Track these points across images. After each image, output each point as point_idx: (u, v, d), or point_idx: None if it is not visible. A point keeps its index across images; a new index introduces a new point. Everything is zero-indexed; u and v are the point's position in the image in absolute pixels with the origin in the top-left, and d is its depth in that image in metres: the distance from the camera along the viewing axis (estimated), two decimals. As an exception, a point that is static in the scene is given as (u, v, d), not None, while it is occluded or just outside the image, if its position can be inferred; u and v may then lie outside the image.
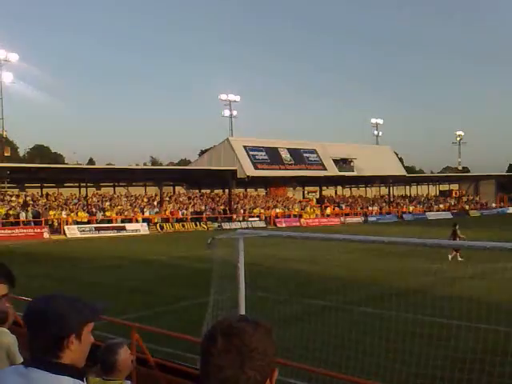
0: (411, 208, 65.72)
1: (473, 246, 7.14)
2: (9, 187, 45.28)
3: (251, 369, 1.29)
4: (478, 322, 9.54)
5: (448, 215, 64.64)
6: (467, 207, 70.96)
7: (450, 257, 19.97)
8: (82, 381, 1.81)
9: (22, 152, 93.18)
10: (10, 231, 37.27)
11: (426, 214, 64.44)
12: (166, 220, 46.09)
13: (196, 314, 10.34)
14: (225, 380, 1.29)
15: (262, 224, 49.38)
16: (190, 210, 48.77)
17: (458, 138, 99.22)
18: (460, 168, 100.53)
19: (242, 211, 51.54)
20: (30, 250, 29.58)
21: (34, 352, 1.81)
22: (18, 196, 43.96)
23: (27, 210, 40.09)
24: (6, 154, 56.05)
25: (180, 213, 47.68)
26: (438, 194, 77.80)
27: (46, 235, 38.31)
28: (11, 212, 39.48)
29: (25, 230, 37.99)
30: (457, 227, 22.14)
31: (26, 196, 44.27)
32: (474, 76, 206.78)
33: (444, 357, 8.20)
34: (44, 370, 1.76)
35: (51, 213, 41.02)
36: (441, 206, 70.14)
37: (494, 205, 73.69)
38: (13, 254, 27.02)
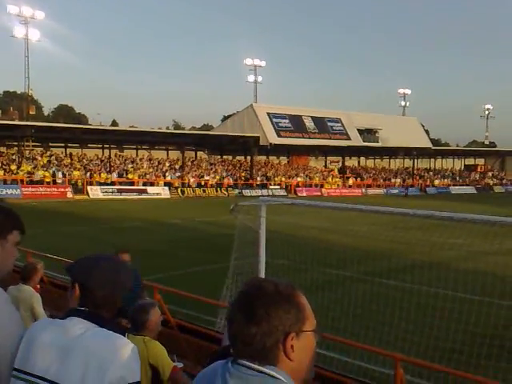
0: (436, 181, 64.83)
1: (503, 222, 6.97)
2: (33, 146, 45.78)
3: (255, 327, 1.34)
4: (501, 298, 9.40)
5: (472, 190, 63.77)
6: (491, 183, 69.79)
7: None
8: (124, 335, 1.84)
9: (46, 111, 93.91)
10: (34, 189, 37.88)
11: (450, 188, 63.57)
12: (188, 185, 46.28)
13: (215, 278, 10.38)
14: (232, 336, 1.39)
15: (283, 192, 49.32)
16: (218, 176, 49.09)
17: (486, 112, 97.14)
18: (487, 143, 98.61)
19: (262, 178, 51.55)
20: (54, 209, 30.05)
21: (86, 306, 1.84)
22: (42, 155, 44.47)
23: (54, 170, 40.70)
24: (31, 113, 56.66)
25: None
26: (463, 168, 76.57)
27: (70, 195, 38.86)
28: (39, 171, 39.96)
29: (49, 189, 38.56)
30: None
31: (50, 155, 44.77)
32: (504, 49, 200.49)
33: (464, 331, 8.12)
34: (91, 321, 1.80)
35: (75, 173, 41.51)
36: (465, 180, 69.08)
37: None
38: (37, 212, 27.47)
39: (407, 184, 59.67)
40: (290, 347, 1.36)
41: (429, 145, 68.07)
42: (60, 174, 40.67)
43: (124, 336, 1.83)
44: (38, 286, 5.84)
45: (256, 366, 1.35)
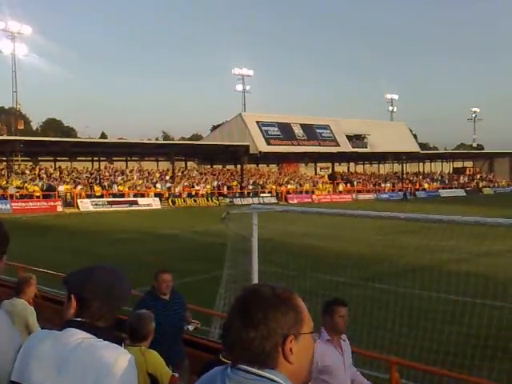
0: (426, 185, 65.20)
1: (488, 223, 7.04)
2: (22, 160, 45.50)
3: (253, 331, 1.32)
4: (494, 299, 9.46)
5: (461, 193, 64.13)
6: (480, 185, 70.26)
7: None
8: (120, 345, 1.84)
9: (34, 126, 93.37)
10: (23, 204, 37.60)
11: (440, 191, 63.92)
12: (178, 195, 46.19)
13: (208, 288, 10.36)
14: (231, 341, 1.37)
15: (274, 200, 49.30)
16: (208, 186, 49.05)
17: (474, 115, 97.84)
18: (474, 145, 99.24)
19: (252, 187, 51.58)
20: (45, 223, 29.82)
21: (82, 317, 1.84)
22: (31, 169, 44.20)
23: (42, 183, 40.42)
24: (19, 127, 56.29)
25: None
26: (451, 171, 77.03)
27: (60, 208, 38.60)
28: (28, 186, 39.64)
29: (38, 203, 38.30)
30: None
31: (39, 169, 44.52)
32: (489, 52, 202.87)
33: (457, 333, 8.16)
34: (93, 334, 1.79)
35: (65, 187, 41.26)
36: (454, 183, 69.49)
37: (504, 182, 72.98)
38: (27, 226, 27.27)
39: (405, 188, 59.83)
40: (288, 350, 1.34)
41: (417, 149, 68.44)
42: (61, 188, 40.47)
43: (121, 346, 1.82)
44: (31, 300, 5.79)
45: (255, 370, 1.33)
